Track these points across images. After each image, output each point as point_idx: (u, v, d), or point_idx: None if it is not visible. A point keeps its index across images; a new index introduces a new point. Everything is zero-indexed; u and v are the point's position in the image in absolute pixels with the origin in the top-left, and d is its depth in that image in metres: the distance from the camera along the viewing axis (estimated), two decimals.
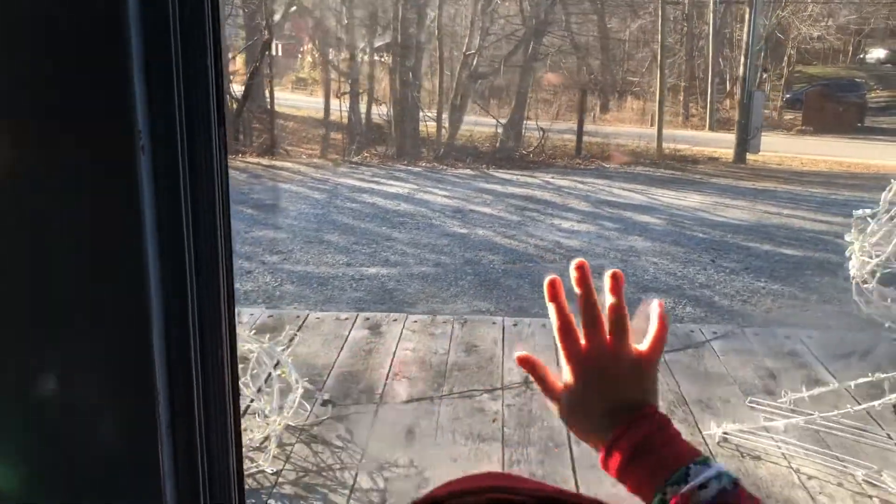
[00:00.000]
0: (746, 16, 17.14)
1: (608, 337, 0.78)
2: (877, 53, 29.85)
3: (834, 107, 22.94)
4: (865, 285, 2.88)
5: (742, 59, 17.49)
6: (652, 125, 21.29)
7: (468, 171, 15.04)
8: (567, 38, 26.06)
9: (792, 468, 3.55)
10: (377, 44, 18.69)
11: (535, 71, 18.72)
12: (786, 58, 25.83)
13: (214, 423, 0.79)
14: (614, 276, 0.78)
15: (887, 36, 30.63)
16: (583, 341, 0.78)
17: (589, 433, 0.79)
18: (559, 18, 19.22)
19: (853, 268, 2.86)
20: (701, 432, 3.92)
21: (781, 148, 19.19)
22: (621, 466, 0.74)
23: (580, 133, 17.51)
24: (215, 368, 0.78)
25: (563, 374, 0.79)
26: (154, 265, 0.71)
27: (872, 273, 2.81)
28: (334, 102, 18.27)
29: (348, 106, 17.57)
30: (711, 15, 17.99)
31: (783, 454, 3.56)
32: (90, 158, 0.69)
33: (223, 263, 0.76)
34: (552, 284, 0.79)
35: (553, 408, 0.81)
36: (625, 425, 0.74)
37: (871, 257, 2.78)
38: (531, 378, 0.82)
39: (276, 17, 18.11)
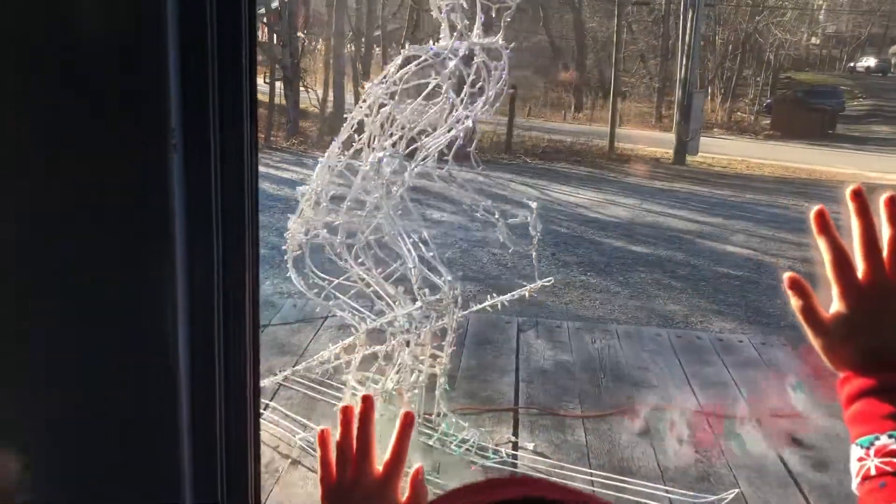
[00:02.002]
0: (690, 16, 17.13)
1: (889, 270, 0.73)
2: (867, 62, 29.54)
3: (805, 113, 22.80)
4: (296, 253, 3.05)
5: (684, 60, 17.49)
6: (622, 125, 21.31)
7: None
8: (543, 35, 26.10)
9: None
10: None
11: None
12: (764, 63, 25.66)
13: (235, 420, 0.80)
14: (892, 201, 0.72)
15: (885, 45, 30.23)
16: (860, 275, 0.73)
17: (846, 362, 0.75)
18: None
19: (288, 243, 3.01)
20: None
21: (735, 151, 19.14)
22: (865, 392, 0.73)
23: (510, 129, 17.65)
24: (238, 363, 0.79)
25: (835, 306, 0.75)
26: (182, 260, 0.72)
27: (300, 246, 2.97)
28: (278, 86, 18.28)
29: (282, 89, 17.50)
30: (682, 17, 18.01)
31: None
32: (124, 155, 0.70)
33: (249, 258, 0.77)
34: (821, 215, 0.74)
35: (813, 339, 0.76)
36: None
37: (305, 233, 2.94)
38: (796, 306, 0.76)
39: None
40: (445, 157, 3.12)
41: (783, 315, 7.35)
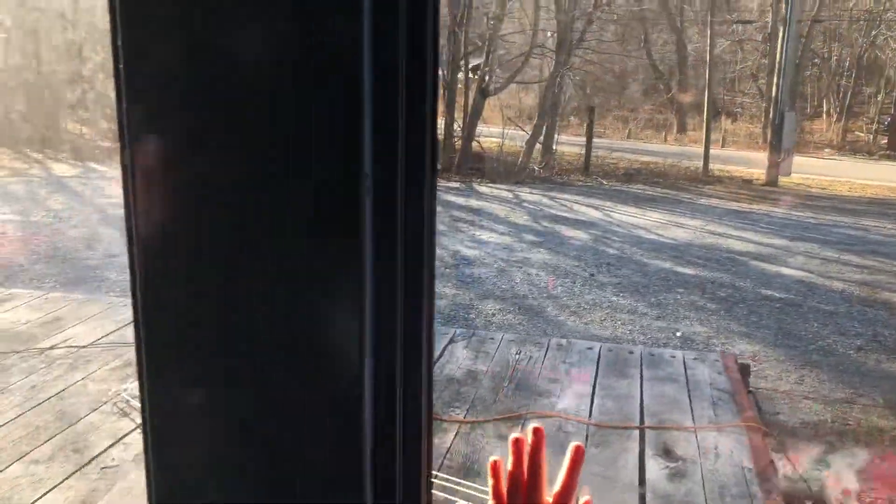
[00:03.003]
0: (780, 34, 16.52)
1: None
2: None
3: None
4: None
5: (776, 78, 16.85)
6: (725, 146, 20.81)
7: (453, 184, 15.43)
8: (645, 56, 25.87)
9: None
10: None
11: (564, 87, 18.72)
12: (884, 79, 24.25)
13: (411, 433, 0.84)
14: (517, 442, 0.83)
15: None
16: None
17: None
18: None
19: None
20: None
21: (842, 172, 18.25)
22: None
23: (588, 150, 17.51)
24: (415, 386, 0.83)
25: None
26: (370, 295, 0.78)
27: None
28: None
29: None
30: (783, 35, 17.43)
31: None
32: (317, 198, 0.75)
33: (426, 290, 0.82)
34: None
35: None
36: None
37: None
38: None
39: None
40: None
41: (813, 338, 7.09)
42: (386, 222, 0.76)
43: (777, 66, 16.85)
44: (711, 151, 18.14)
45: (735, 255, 10.04)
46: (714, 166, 17.96)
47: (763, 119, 23.45)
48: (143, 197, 0.75)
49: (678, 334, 7.12)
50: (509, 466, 0.84)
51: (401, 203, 0.77)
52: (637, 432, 4.06)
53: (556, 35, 18.38)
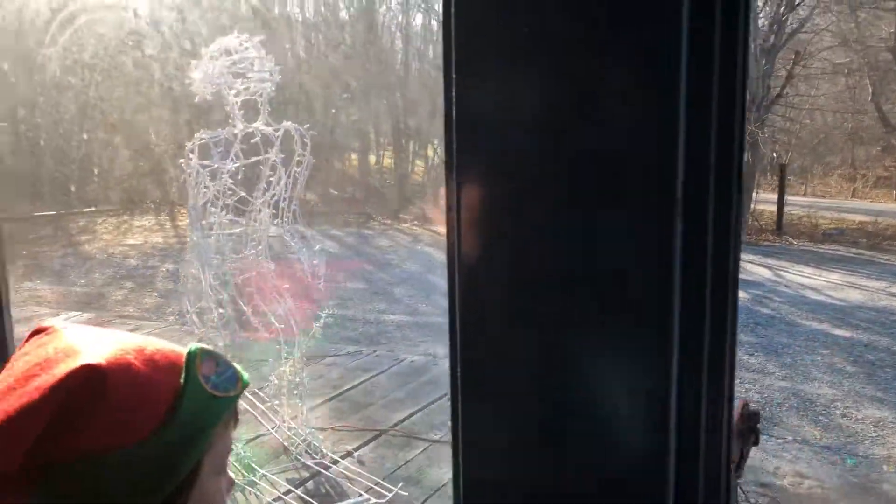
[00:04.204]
0: None
1: None
2: None
3: None
4: None
5: None
6: None
7: None
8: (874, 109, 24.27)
9: None
10: None
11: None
12: None
13: (713, 437, 0.83)
14: None
15: None
16: None
17: None
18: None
19: None
20: None
21: None
22: None
23: (780, 208, 16.43)
24: (719, 396, 0.82)
25: None
26: (677, 319, 0.79)
27: None
28: None
29: None
30: None
31: None
32: (629, 222, 0.78)
33: (731, 321, 0.82)
34: None
35: None
36: None
37: None
38: None
39: None
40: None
41: None
42: (695, 243, 0.78)
43: None
44: None
45: None
46: None
47: None
48: (466, 234, 0.84)
49: (801, 395, 6.72)
50: None
51: (710, 226, 0.78)
52: None
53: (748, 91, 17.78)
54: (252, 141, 4.43)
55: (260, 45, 4.24)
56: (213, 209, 4.45)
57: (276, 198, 4.60)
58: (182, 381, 0.85)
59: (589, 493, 0.86)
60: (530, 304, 0.84)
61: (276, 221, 4.70)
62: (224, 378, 0.89)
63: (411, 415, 5.43)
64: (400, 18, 20.58)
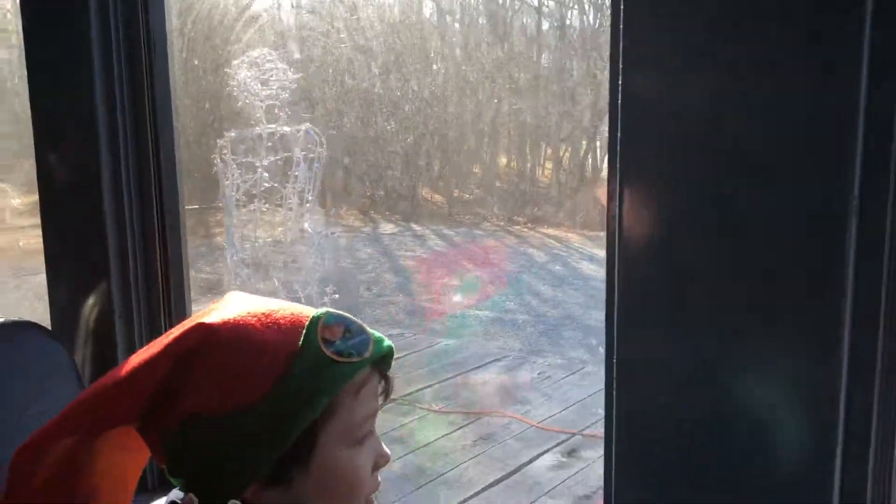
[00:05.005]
0: None
1: None
2: None
3: None
4: None
5: None
6: None
7: None
8: None
9: None
10: None
11: None
12: None
13: (884, 437, 0.82)
14: None
15: None
16: None
17: None
18: None
19: None
20: None
21: None
22: None
23: None
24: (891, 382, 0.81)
25: None
26: (850, 309, 0.79)
27: None
28: None
29: None
30: None
31: None
32: (806, 216, 0.79)
33: None
34: None
35: None
36: None
37: None
38: None
39: None
40: None
41: None
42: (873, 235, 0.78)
43: None
44: None
45: None
46: None
47: None
48: (628, 232, 0.86)
49: None
50: None
51: (889, 223, 0.77)
52: None
53: None
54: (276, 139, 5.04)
55: (278, 58, 4.86)
56: (246, 200, 5.12)
57: (300, 189, 5.19)
58: (300, 343, 0.83)
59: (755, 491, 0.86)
60: (689, 305, 0.86)
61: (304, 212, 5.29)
62: (351, 343, 0.84)
63: (423, 388, 5.86)
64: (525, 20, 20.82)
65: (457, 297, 10.84)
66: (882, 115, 0.76)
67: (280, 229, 5.45)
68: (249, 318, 0.83)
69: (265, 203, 5.24)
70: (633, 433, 0.92)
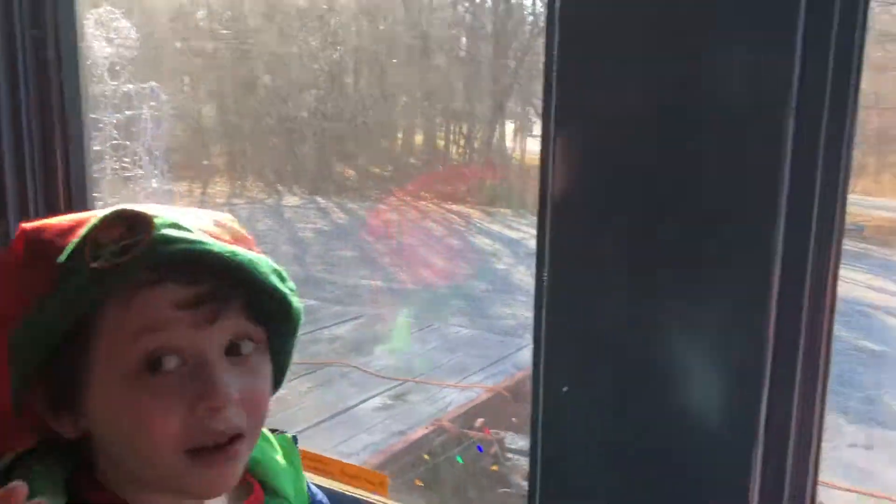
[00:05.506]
0: None
1: None
2: None
3: None
4: None
5: None
6: None
7: None
8: None
9: None
10: None
11: None
12: None
13: (803, 436, 0.82)
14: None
15: None
16: None
17: None
18: None
19: None
20: None
21: None
22: None
23: None
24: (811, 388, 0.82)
25: None
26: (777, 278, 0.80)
27: None
28: None
29: None
30: None
31: None
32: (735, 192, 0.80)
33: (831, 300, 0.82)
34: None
35: None
36: None
37: None
38: None
39: None
40: None
41: None
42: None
43: None
44: None
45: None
46: None
47: None
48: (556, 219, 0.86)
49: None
50: None
51: (815, 216, 0.79)
52: None
53: None
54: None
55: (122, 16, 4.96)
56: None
57: (147, 147, 5.32)
58: (69, 249, 0.69)
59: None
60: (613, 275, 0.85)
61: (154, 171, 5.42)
62: (123, 245, 0.68)
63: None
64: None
65: (350, 268, 11.07)
66: (815, 80, 0.78)
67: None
68: (61, 221, 0.73)
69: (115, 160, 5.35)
70: (556, 427, 0.91)
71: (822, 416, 0.82)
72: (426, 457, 4.03)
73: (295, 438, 0.94)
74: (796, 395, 0.81)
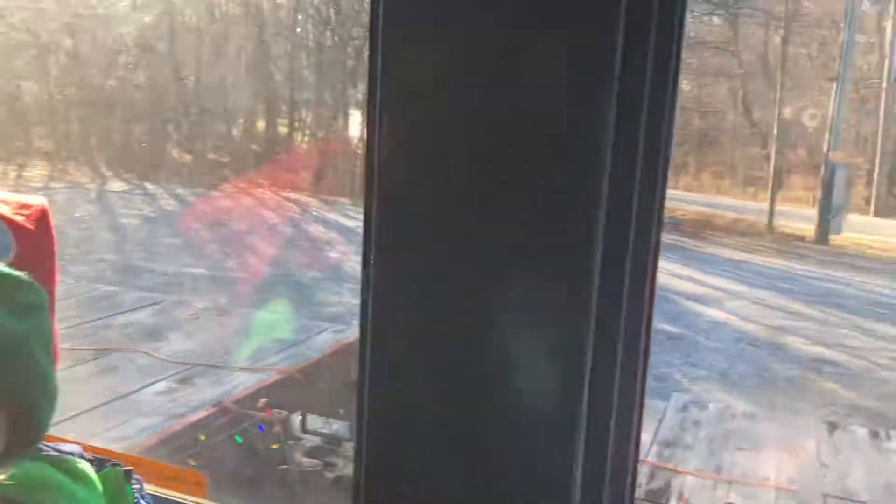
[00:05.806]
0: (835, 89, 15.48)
1: None
2: None
3: None
4: None
5: (827, 134, 15.79)
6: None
7: None
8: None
9: None
10: None
11: None
12: None
13: (623, 423, 0.86)
14: None
15: None
16: None
17: None
18: None
19: None
20: None
21: None
22: None
23: None
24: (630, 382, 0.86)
25: None
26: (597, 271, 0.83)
27: None
28: None
29: None
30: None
31: None
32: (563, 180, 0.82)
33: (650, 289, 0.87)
34: None
35: None
36: None
37: None
38: None
39: None
40: None
41: None
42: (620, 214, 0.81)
43: (831, 119, 15.91)
44: (796, 209, 17.33)
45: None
46: (782, 222, 17.08)
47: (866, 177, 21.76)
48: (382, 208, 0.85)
49: None
50: None
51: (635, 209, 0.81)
52: None
53: None
54: None
55: None
56: None
57: None
58: None
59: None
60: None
61: None
62: None
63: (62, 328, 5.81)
64: None
65: (174, 256, 10.68)
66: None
67: None
68: None
69: None
70: (385, 427, 0.91)
71: (642, 397, 0.86)
72: (202, 437, 3.98)
73: (129, 471, 0.84)
74: (617, 376, 0.84)
